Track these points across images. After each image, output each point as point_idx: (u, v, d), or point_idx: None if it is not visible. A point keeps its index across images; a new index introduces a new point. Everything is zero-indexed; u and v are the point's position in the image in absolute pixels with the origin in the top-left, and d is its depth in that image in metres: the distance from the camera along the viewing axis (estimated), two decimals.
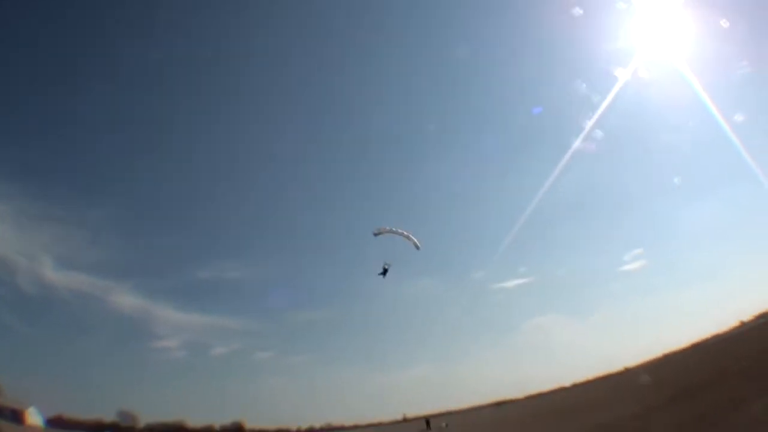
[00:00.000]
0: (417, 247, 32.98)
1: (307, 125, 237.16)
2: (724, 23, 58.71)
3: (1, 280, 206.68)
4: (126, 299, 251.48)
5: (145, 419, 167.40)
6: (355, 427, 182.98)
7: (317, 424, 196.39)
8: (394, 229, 32.28)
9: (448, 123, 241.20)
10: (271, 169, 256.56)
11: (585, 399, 53.16)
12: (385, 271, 33.28)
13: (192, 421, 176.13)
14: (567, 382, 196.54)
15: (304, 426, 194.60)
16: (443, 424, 64.78)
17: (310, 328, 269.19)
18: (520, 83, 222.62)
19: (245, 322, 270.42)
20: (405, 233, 32.63)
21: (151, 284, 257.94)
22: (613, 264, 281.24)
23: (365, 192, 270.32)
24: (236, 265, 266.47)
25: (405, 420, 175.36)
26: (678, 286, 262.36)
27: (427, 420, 65.87)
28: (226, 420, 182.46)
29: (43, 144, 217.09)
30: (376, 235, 32.48)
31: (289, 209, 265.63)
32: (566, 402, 56.97)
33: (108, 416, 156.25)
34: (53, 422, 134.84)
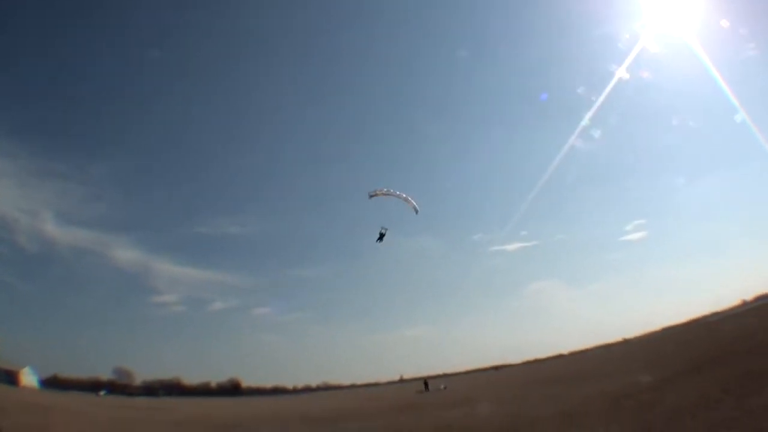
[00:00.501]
0: (416, 211, 32.07)
1: (311, 80, 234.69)
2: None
3: (1, 237, 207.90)
4: (126, 254, 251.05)
5: (141, 376, 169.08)
6: (352, 386, 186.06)
7: (313, 383, 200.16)
8: (390, 191, 31.22)
9: (457, 83, 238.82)
10: (273, 125, 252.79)
11: (587, 367, 52.75)
12: (381, 236, 32.29)
13: (188, 379, 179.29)
14: (564, 350, 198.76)
15: (300, 385, 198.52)
16: (441, 386, 64.88)
17: (308, 286, 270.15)
18: (534, 55, 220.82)
19: (244, 279, 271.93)
20: (403, 195, 31.69)
21: (151, 239, 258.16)
22: (615, 233, 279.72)
23: (368, 149, 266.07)
24: (236, 221, 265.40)
25: (402, 380, 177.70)
26: (679, 259, 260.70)
27: (426, 381, 66.10)
28: (222, 378, 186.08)
29: (46, 100, 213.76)
30: (371, 197, 31.62)
31: (290, 166, 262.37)
32: (568, 369, 56.79)
33: (104, 374, 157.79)
34: (49, 382, 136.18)
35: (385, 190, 30.71)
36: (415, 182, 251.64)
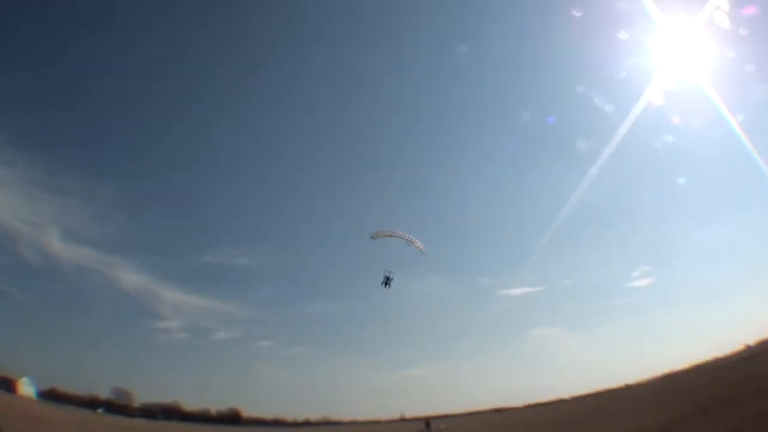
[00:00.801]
0: (422, 252, 31.96)
1: (325, 117, 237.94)
2: (744, 39, 58.26)
3: (5, 247, 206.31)
4: (131, 277, 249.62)
5: (140, 399, 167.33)
6: (353, 422, 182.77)
7: (314, 418, 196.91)
8: (394, 232, 31.15)
9: (464, 128, 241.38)
10: (287, 157, 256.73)
11: (590, 410, 51.98)
12: (387, 281, 32.32)
13: (188, 405, 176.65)
14: (566, 394, 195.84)
15: (301, 418, 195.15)
16: (442, 426, 63.92)
17: (312, 321, 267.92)
18: (539, 95, 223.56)
19: (249, 310, 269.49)
20: (407, 237, 31.32)
21: (157, 264, 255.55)
22: (622, 279, 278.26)
23: (379, 189, 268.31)
24: (244, 252, 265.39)
25: (403, 419, 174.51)
26: (683, 306, 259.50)
27: (427, 421, 64.95)
28: (222, 406, 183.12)
29: (58, 115, 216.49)
30: (373, 238, 31.43)
31: (302, 202, 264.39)
32: (571, 412, 55.78)
33: (103, 393, 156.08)
34: (46, 395, 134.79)
35: (389, 231, 30.54)
36: (424, 222, 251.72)
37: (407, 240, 30.85)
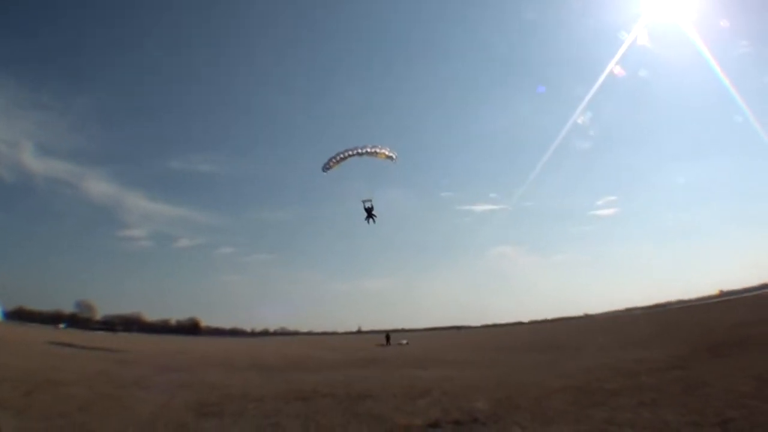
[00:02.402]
0: (392, 160, 26.98)
1: (294, 17, 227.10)
2: None
3: None
4: (99, 186, 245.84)
5: (103, 310, 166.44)
6: (309, 333, 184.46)
7: (271, 328, 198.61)
8: (348, 152, 26.23)
9: (450, 38, 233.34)
10: (251, 63, 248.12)
11: (563, 337, 49.89)
12: (369, 213, 27.54)
13: (149, 315, 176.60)
14: (524, 318, 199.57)
15: (259, 328, 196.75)
16: (403, 341, 62.04)
17: (273, 228, 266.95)
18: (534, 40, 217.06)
19: (212, 217, 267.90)
20: (368, 149, 26.51)
21: (125, 172, 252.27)
22: (585, 206, 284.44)
23: (341, 98, 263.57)
24: (208, 158, 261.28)
25: (360, 332, 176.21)
26: (648, 242, 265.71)
27: (388, 335, 62.99)
28: (183, 316, 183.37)
29: (35, 32, 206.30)
30: (325, 170, 26.41)
31: (265, 109, 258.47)
32: (542, 337, 53.78)
33: (68, 308, 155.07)
34: (14, 315, 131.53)
35: (342, 153, 25.32)
36: (389, 130, 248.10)
37: (369, 152, 26.42)
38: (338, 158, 26.13)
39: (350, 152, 26.20)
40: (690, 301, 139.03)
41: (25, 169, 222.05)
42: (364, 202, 27.89)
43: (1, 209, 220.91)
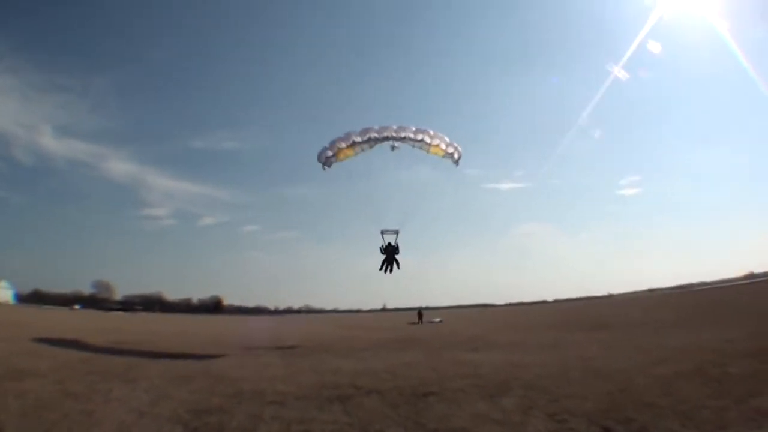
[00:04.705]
0: (453, 158, 21.83)
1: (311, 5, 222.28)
2: None
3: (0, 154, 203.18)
4: (120, 166, 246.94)
5: (123, 291, 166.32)
6: (334, 310, 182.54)
7: (295, 305, 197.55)
8: (374, 135, 20.34)
9: (480, 20, 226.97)
10: (277, 40, 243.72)
11: (607, 313, 46.23)
12: (391, 255, 21.78)
13: (171, 295, 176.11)
14: (549, 297, 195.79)
15: (282, 306, 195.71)
16: (437, 319, 58.60)
17: (299, 205, 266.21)
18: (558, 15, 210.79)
19: (236, 195, 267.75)
20: (411, 135, 20.49)
21: (147, 151, 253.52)
22: (610, 186, 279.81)
23: (366, 72, 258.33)
24: (232, 136, 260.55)
25: (384, 309, 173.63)
26: (672, 223, 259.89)
27: (420, 312, 59.49)
28: (206, 295, 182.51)
29: (52, 14, 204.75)
30: (327, 164, 21.51)
31: (289, 85, 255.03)
32: (584, 315, 50.04)
33: (86, 289, 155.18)
34: (29, 298, 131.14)
35: (366, 132, 20.39)
36: (416, 109, 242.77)
37: (413, 141, 20.56)
38: (350, 145, 20.45)
39: (374, 135, 20.16)
40: (714, 282, 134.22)
41: (44, 152, 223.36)
42: (384, 234, 21.61)
43: (19, 192, 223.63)
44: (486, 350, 19.59)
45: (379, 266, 21.92)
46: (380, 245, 21.76)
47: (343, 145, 20.43)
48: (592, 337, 23.40)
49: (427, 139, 20.50)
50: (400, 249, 21.90)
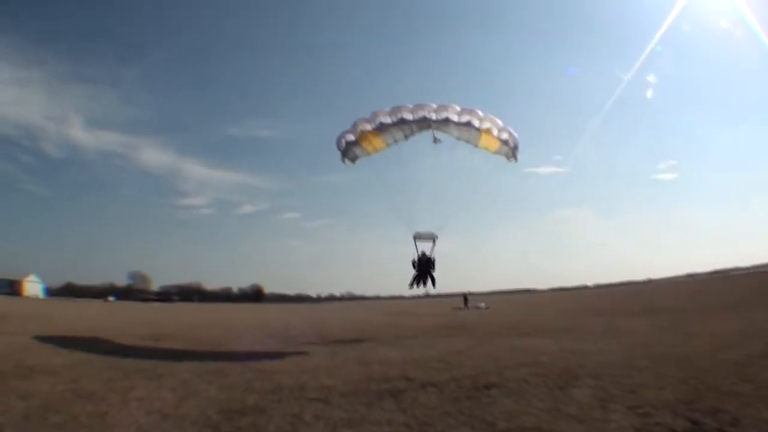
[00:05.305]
0: (509, 153, 18.14)
1: None
2: None
3: (27, 147, 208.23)
4: (155, 156, 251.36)
5: (160, 281, 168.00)
6: (376, 297, 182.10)
7: (337, 293, 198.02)
8: (408, 118, 16.34)
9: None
10: (308, 30, 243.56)
11: (661, 299, 44.44)
12: (424, 269, 18.55)
13: (210, 284, 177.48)
14: (589, 282, 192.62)
15: (324, 293, 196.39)
16: (482, 305, 57.31)
17: (339, 192, 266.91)
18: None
19: (275, 182, 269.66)
20: (457, 118, 16.35)
21: (183, 140, 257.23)
22: (646, 170, 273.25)
23: (413, 55, 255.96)
24: (268, 124, 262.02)
25: (428, 296, 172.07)
26: (710, 206, 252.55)
27: (466, 297, 58.36)
28: (246, 284, 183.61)
29: (78, 3, 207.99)
30: (350, 159, 18.12)
31: (326, 72, 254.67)
32: (628, 299, 48.26)
33: (122, 281, 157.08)
34: (61, 291, 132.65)
35: (402, 112, 16.25)
36: (452, 93, 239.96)
37: (459, 125, 16.47)
38: (377, 128, 16.57)
39: (407, 115, 16.25)
40: (752, 267, 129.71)
41: (74, 144, 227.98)
42: (417, 240, 18.25)
43: (50, 186, 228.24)
44: (538, 336, 18.42)
45: (410, 282, 18.94)
46: (412, 258, 18.61)
47: (369, 127, 16.81)
48: (644, 322, 22.26)
49: (476, 122, 16.54)
50: (436, 263, 18.60)
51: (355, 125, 17.09)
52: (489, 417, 6.90)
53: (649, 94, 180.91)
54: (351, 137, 17.33)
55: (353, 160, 18.08)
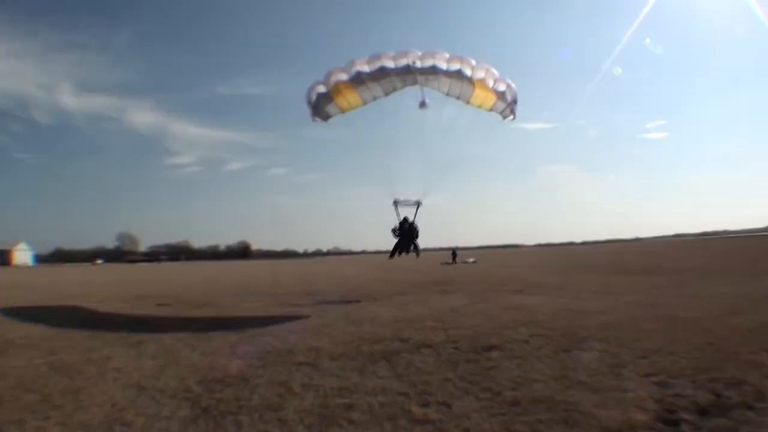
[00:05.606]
0: (505, 109, 15.96)
1: None
2: None
3: (18, 117, 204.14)
4: (143, 117, 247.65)
5: (149, 242, 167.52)
6: (363, 252, 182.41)
7: (324, 248, 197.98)
8: (389, 70, 14.27)
9: None
10: None
11: (658, 258, 44.32)
12: (406, 236, 17.06)
13: (198, 243, 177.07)
14: (576, 239, 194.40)
15: (311, 249, 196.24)
16: (470, 260, 57.20)
17: (326, 147, 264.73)
18: None
19: (262, 139, 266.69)
20: (445, 65, 14.11)
21: (171, 100, 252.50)
22: (635, 129, 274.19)
23: (402, 8, 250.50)
24: (256, 81, 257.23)
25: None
26: (698, 168, 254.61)
27: (454, 252, 58.05)
28: (233, 241, 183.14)
29: None
30: (321, 116, 16.14)
31: (312, 28, 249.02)
32: (620, 257, 48.21)
33: (110, 244, 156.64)
34: (51, 257, 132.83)
35: (383, 60, 14.26)
36: (436, 42, 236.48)
37: (446, 73, 14.28)
38: (353, 79, 14.54)
39: (388, 63, 14.17)
40: (739, 231, 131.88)
41: (63, 110, 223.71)
42: (398, 205, 16.74)
43: (38, 153, 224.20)
44: (532, 293, 17.91)
45: (390, 253, 17.76)
46: (393, 225, 17.09)
47: (344, 77, 14.61)
48: (640, 281, 21.62)
49: (467, 71, 14.26)
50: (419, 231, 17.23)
51: (328, 75, 14.97)
52: (493, 385, 6.30)
53: (660, 49, 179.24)
54: (322, 89, 15.30)
55: (325, 118, 16.16)
